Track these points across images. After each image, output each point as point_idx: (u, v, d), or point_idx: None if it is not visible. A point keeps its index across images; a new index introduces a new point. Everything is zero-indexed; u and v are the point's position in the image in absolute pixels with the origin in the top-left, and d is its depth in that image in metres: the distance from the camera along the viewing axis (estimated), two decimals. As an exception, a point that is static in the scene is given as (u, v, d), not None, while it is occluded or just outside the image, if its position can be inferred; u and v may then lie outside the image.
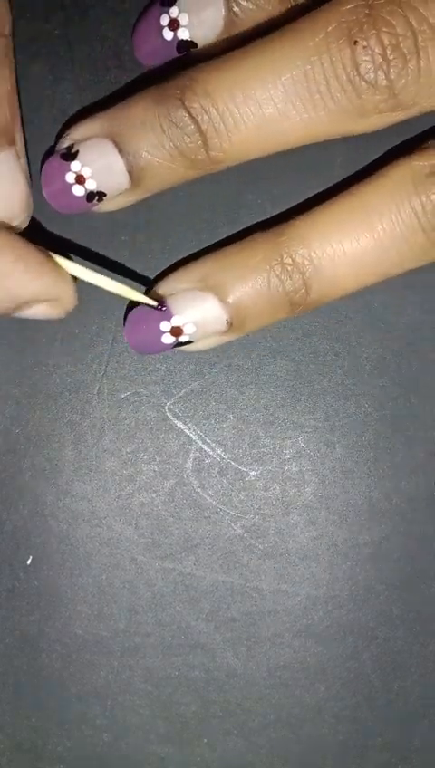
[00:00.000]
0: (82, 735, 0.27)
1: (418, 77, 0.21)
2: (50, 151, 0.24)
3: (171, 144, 0.22)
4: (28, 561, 0.26)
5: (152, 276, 0.25)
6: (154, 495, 0.26)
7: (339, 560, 0.26)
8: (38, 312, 0.22)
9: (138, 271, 0.25)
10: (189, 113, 0.21)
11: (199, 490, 0.26)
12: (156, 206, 0.25)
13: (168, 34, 0.23)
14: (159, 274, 0.25)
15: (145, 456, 0.26)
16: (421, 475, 0.26)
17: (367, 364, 0.26)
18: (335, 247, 0.22)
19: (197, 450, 0.26)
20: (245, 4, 0.22)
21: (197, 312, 0.23)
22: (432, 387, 0.26)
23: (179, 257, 0.25)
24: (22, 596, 0.26)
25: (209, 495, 0.26)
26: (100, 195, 0.23)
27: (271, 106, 0.21)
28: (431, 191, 0.22)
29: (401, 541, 0.26)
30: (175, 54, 0.23)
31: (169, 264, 0.25)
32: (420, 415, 0.26)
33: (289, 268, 0.23)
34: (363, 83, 0.21)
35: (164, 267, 0.25)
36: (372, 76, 0.21)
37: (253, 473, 0.26)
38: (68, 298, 0.23)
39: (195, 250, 0.25)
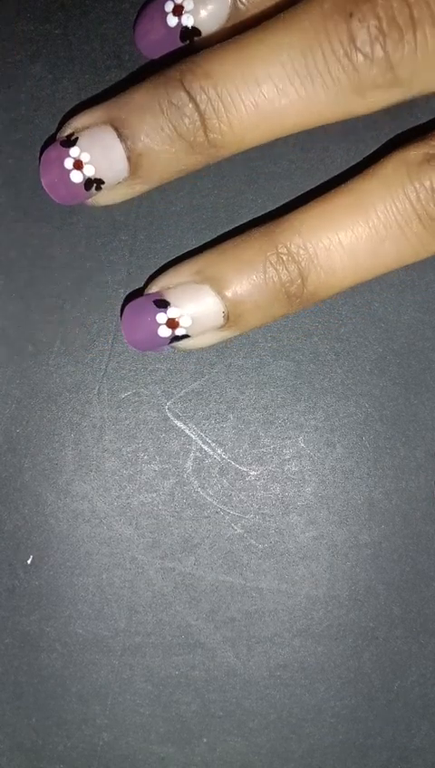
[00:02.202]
0: (82, 735, 0.27)
1: (415, 50, 0.21)
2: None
3: (170, 126, 0.22)
4: (28, 561, 0.26)
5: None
6: (154, 495, 0.26)
7: (339, 560, 0.26)
8: None
9: (138, 271, 0.25)
10: (188, 94, 0.21)
11: (199, 490, 0.26)
12: (156, 206, 0.25)
13: (172, 21, 0.22)
14: (156, 271, 0.25)
15: (145, 456, 0.26)
16: (421, 475, 0.26)
17: (367, 364, 0.26)
18: (331, 237, 0.22)
19: (197, 450, 0.26)
20: None
21: (193, 305, 0.23)
22: (432, 387, 0.26)
23: (180, 257, 0.25)
24: (22, 595, 0.26)
25: (209, 495, 0.26)
26: (98, 182, 0.23)
27: (269, 85, 0.21)
28: (425, 178, 0.22)
29: (401, 541, 0.26)
30: (178, 44, 0.23)
31: (170, 262, 0.25)
32: (420, 415, 0.26)
33: (284, 258, 0.23)
34: (360, 56, 0.21)
35: (164, 266, 0.25)
36: (369, 49, 0.21)
37: (253, 473, 0.26)
38: None
39: (195, 251, 0.25)
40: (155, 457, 0.26)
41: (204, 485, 0.26)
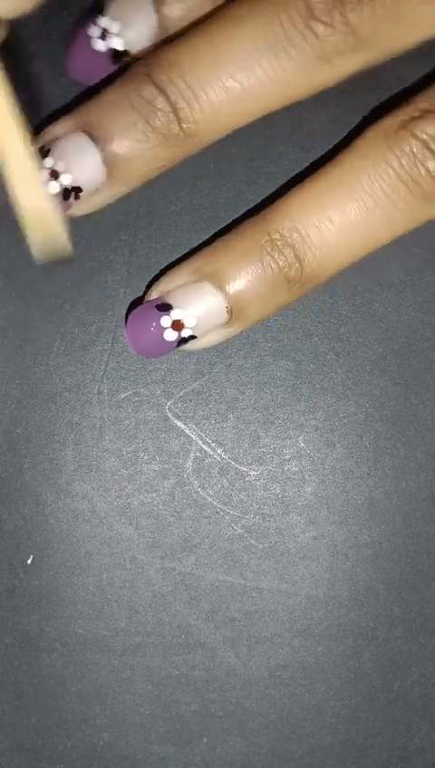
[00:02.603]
0: (82, 735, 0.27)
1: (374, 9, 0.21)
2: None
3: (143, 121, 0.21)
4: (28, 561, 0.26)
5: (153, 276, 0.25)
6: (154, 495, 0.26)
7: (339, 560, 0.26)
8: None
9: (138, 271, 0.25)
10: (157, 86, 0.21)
11: (199, 490, 0.26)
12: (156, 206, 0.25)
13: (100, 45, 0.22)
14: (157, 275, 0.25)
15: (145, 456, 0.26)
16: (421, 475, 0.26)
17: (367, 364, 0.26)
18: (320, 216, 0.22)
19: (197, 450, 0.26)
20: (176, 6, 0.22)
21: (196, 304, 0.23)
22: (432, 387, 0.26)
23: (180, 257, 0.25)
24: (22, 595, 0.26)
25: (209, 495, 0.26)
26: (76, 191, 0.22)
27: (234, 66, 0.21)
28: (404, 144, 0.22)
29: (401, 541, 0.26)
30: (109, 68, 0.23)
31: (170, 263, 0.25)
32: (420, 415, 0.26)
33: (278, 244, 0.23)
34: (319, 24, 0.21)
35: (164, 267, 0.25)
36: (327, 16, 0.21)
37: (253, 473, 0.26)
38: None
39: (195, 250, 0.25)
40: (155, 457, 0.26)
41: (204, 485, 0.26)
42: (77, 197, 0.22)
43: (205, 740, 0.27)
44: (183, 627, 0.26)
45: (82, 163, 0.22)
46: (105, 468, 0.26)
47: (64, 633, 0.26)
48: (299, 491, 0.26)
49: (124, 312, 0.26)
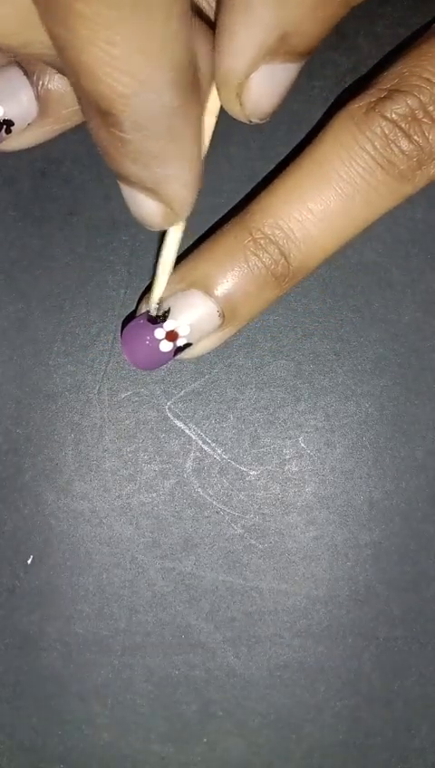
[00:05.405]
0: (82, 735, 0.27)
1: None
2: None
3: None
4: (29, 561, 0.26)
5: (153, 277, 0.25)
6: (154, 495, 0.26)
7: (339, 560, 0.26)
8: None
9: (138, 271, 0.25)
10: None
11: (199, 490, 0.26)
12: (156, 206, 0.25)
13: None
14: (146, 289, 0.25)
15: (145, 456, 0.26)
16: (422, 475, 0.26)
17: (367, 364, 0.26)
18: (300, 208, 0.22)
19: (197, 450, 0.26)
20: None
21: (187, 312, 0.23)
22: (432, 387, 0.26)
23: (179, 257, 0.25)
24: (22, 595, 0.26)
25: (209, 495, 0.26)
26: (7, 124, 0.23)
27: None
28: (375, 126, 0.22)
29: (401, 541, 0.26)
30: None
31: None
32: (420, 415, 0.26)
33: (262, 242, 0.23)
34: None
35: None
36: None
37: (253, 473, 0.26)
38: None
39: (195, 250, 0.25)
40: (155, 457, 0.26)
41: (204, 485, 0.26)
42: (8, 132, 0.23)
43: (205, 740, 0.27)
44: (183, 627, 0.26)
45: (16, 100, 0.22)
46: (105, 468, 0.26)
47: (64, 633, 0.26)
48: (299, 491, 0.26)
49: (124, 312, 0.26)
